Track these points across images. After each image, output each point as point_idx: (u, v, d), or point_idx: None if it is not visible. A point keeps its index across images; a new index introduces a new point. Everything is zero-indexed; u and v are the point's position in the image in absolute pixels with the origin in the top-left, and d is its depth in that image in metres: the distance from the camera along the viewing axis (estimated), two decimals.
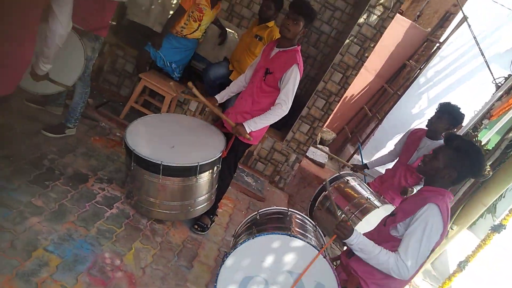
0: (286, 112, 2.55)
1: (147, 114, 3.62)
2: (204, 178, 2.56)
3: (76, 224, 2.34)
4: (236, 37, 4.25)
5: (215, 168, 2.62)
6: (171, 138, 2.66)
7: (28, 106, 3.19)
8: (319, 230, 2.39)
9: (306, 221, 2.37)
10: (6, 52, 1.67)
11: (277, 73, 2.49)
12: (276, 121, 2.59)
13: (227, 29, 4.19)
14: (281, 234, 2.02)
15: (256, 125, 2.55)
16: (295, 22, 2.41)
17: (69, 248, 2.17)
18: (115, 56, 4.15)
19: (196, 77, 4.47)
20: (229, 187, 3.71)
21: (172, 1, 4.15)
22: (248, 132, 2.54)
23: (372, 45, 3.97)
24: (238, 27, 4.81)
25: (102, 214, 2.55)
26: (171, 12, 3.89)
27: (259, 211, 2.41)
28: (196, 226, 2.90)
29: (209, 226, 2.97)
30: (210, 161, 2.47)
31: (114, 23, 4.39)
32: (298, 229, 2.17)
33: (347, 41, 3.96)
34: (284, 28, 2.45)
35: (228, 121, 2.62)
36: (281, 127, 4.64)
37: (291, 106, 2.56)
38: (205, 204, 2.72)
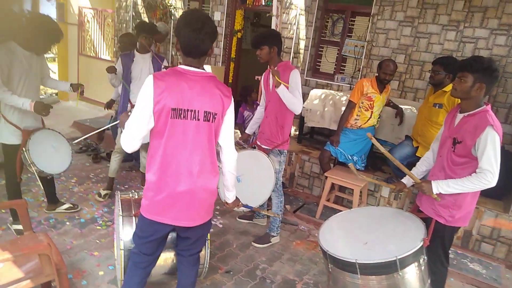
0: (493, 184, 2.11)
1: (340, 210, 3.67)
2: (411, 272, 2.26)
3: None
4: (414, 111, 4.03)
5: (421, 260, 2.29)
6: (364, 233, 2.54)
7: (240, 222, 3.73)
8: None
9: None
10: (205, 189, 1.98)
11: (468, 140, 2.18)
12: (475, 190, 2.18)
13: (402, 106, 4.04)
14: None
15: (448, 188, 2.20)
16: (461, 80, 2.17)
17: None
18: (302, 161, 4.53)
19: (382, 163, 4.34)
20: (451, 279, 3.17)
21: (341, 98, 4.39)
22: (435, 193, 2.22)
23: None
24: (414, 100, 4.59)
25: None
26: (343, 109, 4.08)
27: None
28: None
29: None
30: (410, 253, 2.19)
31: (296, 132, 4.91)
32: None
33: None
34: (452, 89, 2.26)
35: (413, 176, 2.36)
36: (501, 195, 3.81)
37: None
38: None
